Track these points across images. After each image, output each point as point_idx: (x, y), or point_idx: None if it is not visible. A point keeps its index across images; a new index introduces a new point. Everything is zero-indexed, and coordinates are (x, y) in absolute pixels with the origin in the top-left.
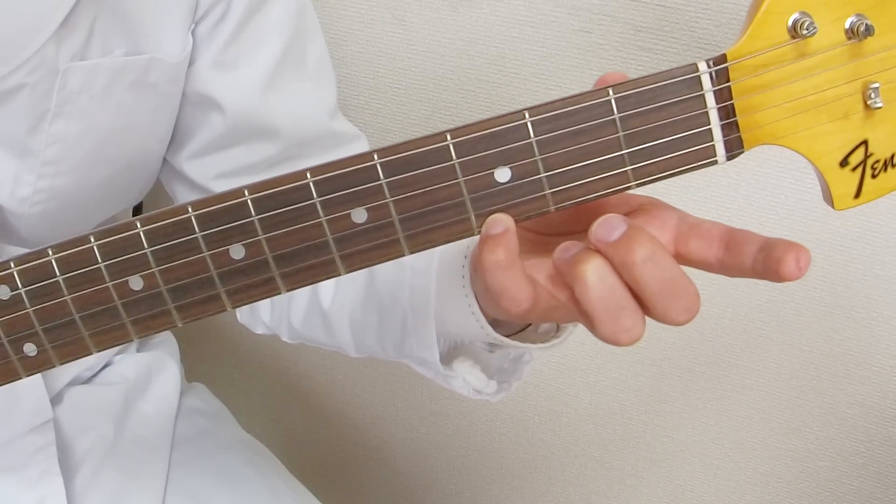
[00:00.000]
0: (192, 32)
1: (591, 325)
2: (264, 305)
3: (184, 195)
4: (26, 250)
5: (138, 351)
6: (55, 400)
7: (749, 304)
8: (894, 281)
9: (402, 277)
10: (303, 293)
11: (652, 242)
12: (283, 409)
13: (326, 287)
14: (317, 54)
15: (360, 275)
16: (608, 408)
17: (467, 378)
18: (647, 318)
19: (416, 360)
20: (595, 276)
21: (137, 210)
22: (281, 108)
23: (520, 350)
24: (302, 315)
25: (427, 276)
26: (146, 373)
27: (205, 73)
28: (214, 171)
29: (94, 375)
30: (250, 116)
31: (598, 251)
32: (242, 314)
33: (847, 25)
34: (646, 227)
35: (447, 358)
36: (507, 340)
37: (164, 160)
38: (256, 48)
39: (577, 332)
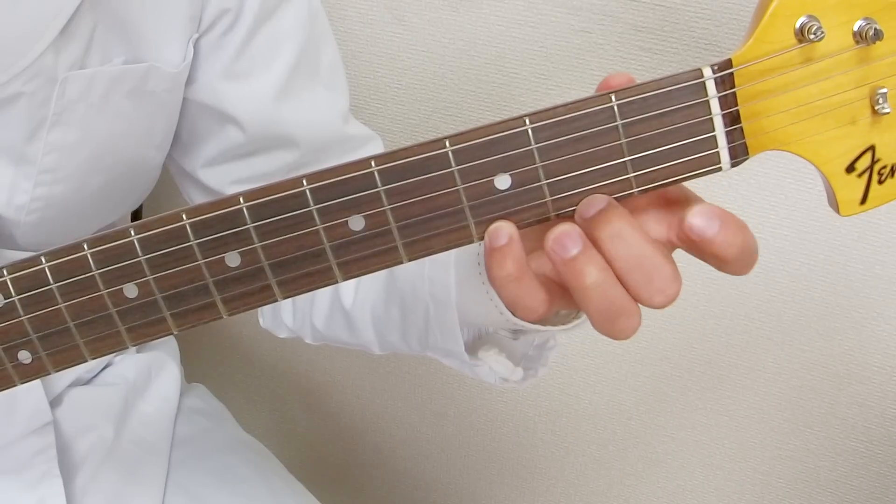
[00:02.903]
0: (197, 43)
1: (587, 316)
2: (287, 309)
3: (198, 198)
4: (21, 257)
5: (138, 352)
6: (55, 402)
7: (749, 304)
8: (894, 281)
9: (422, 270)
10: (324, 294)
11: (621, 220)
12: (283, 409)
13: (347, 285)
14: (329, 59)
15: (380, 271)
16: (608, 408)
17: (493, 366)
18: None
19: (442, 351)
20: (595, 290)
21: (137, 216)
22: (297, 117)
23: (543, 336)
24: (324, 315)
25: (446, 266)
26: (146, 373)
27: (216, 83)
28: (231, 178)
29: (95, 377)
30: (267, 127)
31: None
32: (265, 320)
33: (855, 29)
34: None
35: (472, 347)
36: (528, 325)
37: (178, 164)
38: (270, 57)
39: (577, 334)
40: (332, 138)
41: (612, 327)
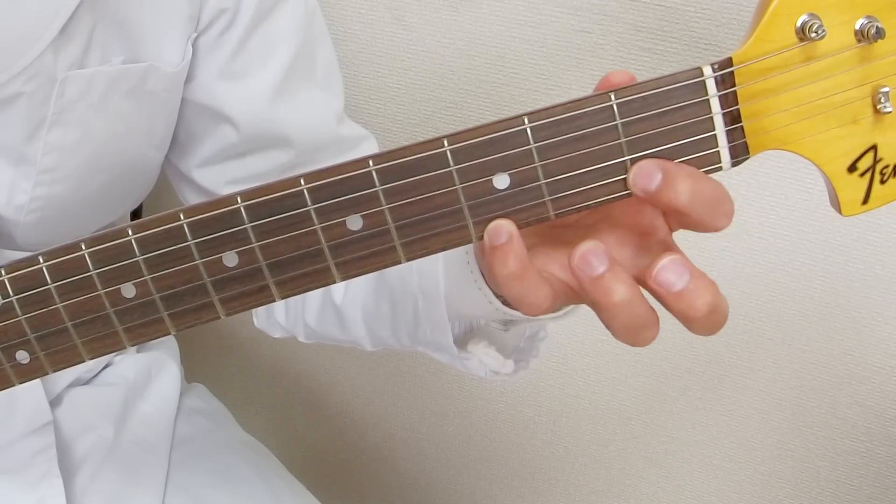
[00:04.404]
0: (195, 42)
1: (609, 329)
2: (280, 308)
3: (193, 199)
4: (20, 256)
5: (138, 352)
6: (55, 402)
7: (749, 304)
8: (894, 281)
9: (411, 263)
10: (315, 291)
11: (708, 291)
12: (283, 409)
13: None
14: (325, 60)
15: None
16: (608, 408)
17: (483, 359)
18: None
19: (432, 345)
20: (623, 307)
21: (136, 215)
22: (292, 117)
23: (534, 327)
24: (316, 312)
25: (434, 258)
26: (146, 373)
27: (213, 83)
28: (225, 178)
29: (94, 377)
30: (262, 127)
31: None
32: (259, 320)
33: (857, 27)
34: None
35: (462, 341)
36: (518, 314)
37: (173, 165)
38: (266, 57)
39: (577, 333)
40: (326, 139)
41: (635, 339)
